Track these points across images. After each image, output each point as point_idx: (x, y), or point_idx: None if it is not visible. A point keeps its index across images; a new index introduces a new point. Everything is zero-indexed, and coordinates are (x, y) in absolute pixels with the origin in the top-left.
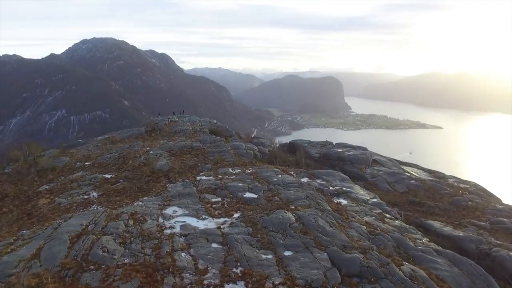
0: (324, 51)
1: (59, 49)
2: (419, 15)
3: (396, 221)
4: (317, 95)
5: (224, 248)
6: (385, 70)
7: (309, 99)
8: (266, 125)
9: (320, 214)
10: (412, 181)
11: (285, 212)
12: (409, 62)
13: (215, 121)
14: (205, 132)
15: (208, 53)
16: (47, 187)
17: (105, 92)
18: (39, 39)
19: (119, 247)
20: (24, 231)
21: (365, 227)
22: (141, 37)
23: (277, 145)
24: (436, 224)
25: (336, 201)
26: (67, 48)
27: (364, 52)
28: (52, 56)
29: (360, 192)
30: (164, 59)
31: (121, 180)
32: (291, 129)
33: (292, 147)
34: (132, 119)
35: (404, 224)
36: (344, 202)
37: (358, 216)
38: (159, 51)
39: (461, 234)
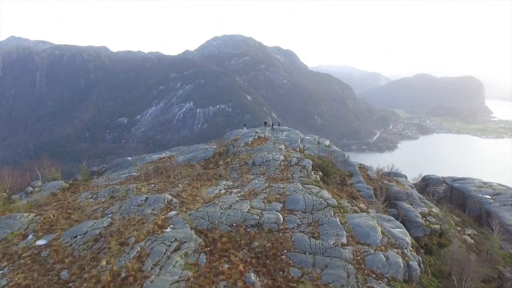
0: (463, 47)
1: (193, 46)
2: None
3: None
4: (452, 97)
5: None
6: None
7: (441, 100)
8: (390, 127)
9: None
10: None
11: None
12: None
13: (327, 142)
14: (304, 168)
15: (334, 50)
16: None
17: (230, 87)
18: (179, 38)
19: None
20: None
21: None
22: (270, 34)
23: (444, 210)
24: None
25: None
26: (200, 45)
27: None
28: (186, 52)
29: None
30: (289, 55)
31: None
32: (418, 133)
33: (460, 198)
34: (253, 113)
35: None
36: None
37: None
38: (285, 47)
39: None
